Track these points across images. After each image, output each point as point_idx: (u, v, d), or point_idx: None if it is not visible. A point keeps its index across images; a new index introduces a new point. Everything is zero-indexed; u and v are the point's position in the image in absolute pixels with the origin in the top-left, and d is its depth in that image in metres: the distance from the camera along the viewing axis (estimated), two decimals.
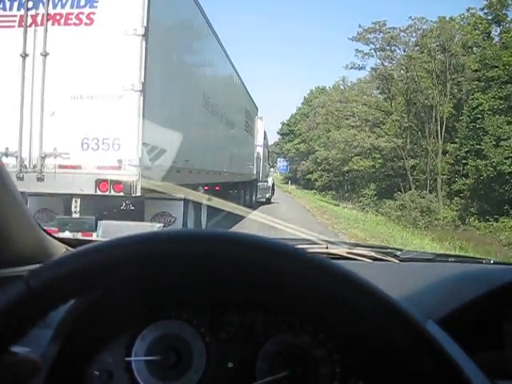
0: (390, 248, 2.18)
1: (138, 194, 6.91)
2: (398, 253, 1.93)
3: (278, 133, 76.44)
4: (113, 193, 6.85)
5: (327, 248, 1.85)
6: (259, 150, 21.22)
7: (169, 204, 8.19)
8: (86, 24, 6.92)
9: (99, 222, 6.49)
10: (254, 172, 20.23)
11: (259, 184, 21.76)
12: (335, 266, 0.75)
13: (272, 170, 32.67)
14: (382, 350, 0.77)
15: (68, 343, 1.01)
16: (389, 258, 1.84)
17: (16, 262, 1.05)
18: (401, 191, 34.42)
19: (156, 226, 7.11)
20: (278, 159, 39.69)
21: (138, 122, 6.87)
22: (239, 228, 10.58)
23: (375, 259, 1.80)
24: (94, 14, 6.89)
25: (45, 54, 6.91)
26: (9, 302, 0.70)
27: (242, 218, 10.16)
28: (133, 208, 8.26)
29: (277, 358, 1.15)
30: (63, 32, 6.94)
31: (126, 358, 1.14)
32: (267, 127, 24.44)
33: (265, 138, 23.11)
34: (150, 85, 7.15)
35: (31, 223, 1.16)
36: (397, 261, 1.83)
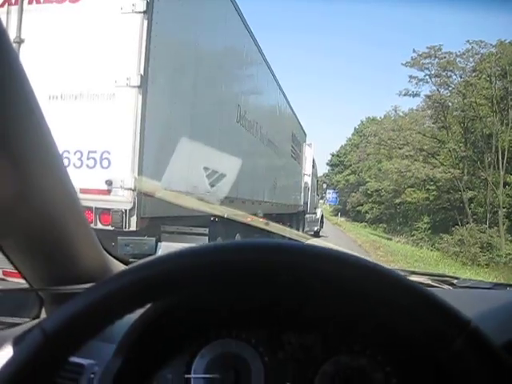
0: (447, 276, 2.12)
1: (133, 228, 5.25)
2: (455, 281, 1.91)
3: (328, 164, 75.35)
4: (100, 226, 5.18)
5: None
6: (307, 179, 19.94)
7: (190, 240, 6.41)
8: (70, 1, 5.37)
9: (159, 244, 5.01)
10: (302, 203, 18.82)
11: (307, 216, 20.33)
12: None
13: (321, 201, 31.36)
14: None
15: (130, 358, 1.03)
16: (445, 286, 1.84)
17: (80, 279, 1.12)
18: (457, 225, 32.55)
19: None
20: (328, 190, 38.48)
21: (134, 129, 5.26)
22: None
23: (431, 286, 1.77)
24: None
25: (18, 41, 5.35)
26: (27, 353, 0.70)
27: None
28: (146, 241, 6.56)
29: (335, 380, 1.15)
30: (42, 13, 5.44)
31: (186, 375, 1.16)
32: (316, 158, 23.16)
33: (313, 167, 21.76)
34: (154, 79, 5.57)
35: (96, 243, 1.23)
36: (454, 289, 1.82)
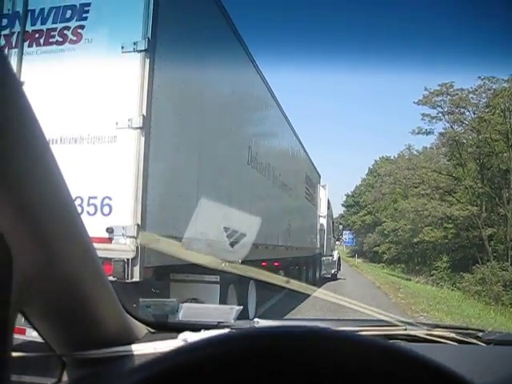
0: (471, 329, 2.05)
1: (136, 278, 4.85)
2: (480, 334, 1.85)
3: (343, 205, 75.17)
4: None
5: (406, 330, 1.81)
6: (323, 221, 19.62)
7: (201, 288, 6.14)
8: (71, 41, 5.13)
9: (180, 305, 4.59)
10: (318, 245, 18.44)
11: (323, 259, 19.84)
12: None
13: (337, 243, 30.95)
14: None
15: None
16: (471, 340, 1.78)
17: (105, 343, 1.14)
18: (478, 263, 31.92)
19: (235, 309, 5.06)
20: (344, 231, 38.09)
21: (136, 173, 4.90)
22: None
23: (457, 341, 1.76)
24: (82, 27, 5.13)
25: None
26: None
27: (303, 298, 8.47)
28: (156, 291, 6.04)
29: None
30: (42, 54, 5.22)
31: None
32: (331, 199, 22.88)
33: (329, 208, 21.47)
34: (158, 121, 5.24)
35: (118, 306, 1.21)
36: (480, 343, 1.78)
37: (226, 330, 1.47)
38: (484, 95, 32.30)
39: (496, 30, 50.91)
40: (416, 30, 56.98)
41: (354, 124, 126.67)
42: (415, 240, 41.24)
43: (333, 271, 21.28)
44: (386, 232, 49.58)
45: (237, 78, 8.32)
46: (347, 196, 74.79)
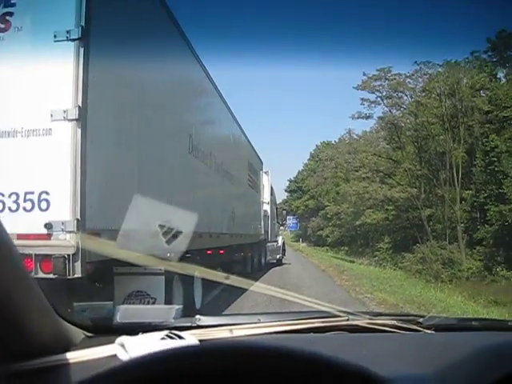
0: (412, 315, 2.21)
1: (78, 274, 4.60)
2: (421, 320, 1.90)
3: (286, 190, 75.61)
4: (41, 274, 4.50)
5: (348, 320, 1.82)
6: (266, 207, 19.62)
7: (145, 280, 5.95)
8: (0, 30, 4.81)
9: (117, 307, 4.37)
10: (262, 232, 18.44)
11: (268, 244, 20.01)
12: None
13: (282, 228, 31.12)
14: None
15: None
16: (412, 326, 1.83)
17: (39, 353, 1.07)
18: (418, 243, 32.98)
19: (175, 309, 4.88)
20: (288, 216, 38.35)
21: (73, 165, 4.65)
22: (248, 302, 9.07)
23: (399, 328, 1.80)
24: (10, 14, 4.80)
25: None
26: None
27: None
28: (100, 286, 5.76)
29: None
30: None
31: None
32: (274, 185, 22.95)
33: (272, 194, 21.50)
34: (95, 112, 4.97)
35: (50, 312, 1.14)
36: (421, 329, 1.83)
37: (164, 332, 1.44)
38: (420, 80, 33.29)
39: (431, 15, 52.16)
40: (354, 15, 57.66)
41: (294, 110, 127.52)
42: (357, 223, 41.99)
43: (278, 256, 21.42)
44: (328, 216, 50.21)
45: (176, 67, 8.15)
46: (290, 181, 75.37)
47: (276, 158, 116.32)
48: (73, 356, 1.24)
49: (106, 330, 1.61)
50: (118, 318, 1.74)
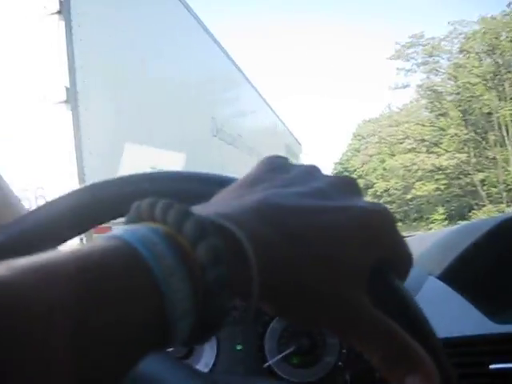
0: None
1: None
2: None
3: (333, 174, 74.79)
4: None
5: None
6: None
7: None
8: None
9: None
10: None
11: None
12: None
13: None
14: None
15: None
16: None
17: None
18: (474, 209, 31.89)
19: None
20: None
21: (67, 156, 4.15)
22: None
23: None
24: None
25: None
26: None
27: None
28: None
29: (284, 335, 1.17)
30: None
31: None
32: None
33: None
34: (87, 92, 4.44)
35: None
36: None
37: None
38: (456, 40, 31.89)
39: None
40: None
41: (330, 92, 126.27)
42: (408, 196, 41.00)
43: None
44: (378, 193, 49.37)
45: (187, 44, 7.55)
46: (335, 164, 74.57)
47: (318, 142, 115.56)
48: None
49: None
50: None
